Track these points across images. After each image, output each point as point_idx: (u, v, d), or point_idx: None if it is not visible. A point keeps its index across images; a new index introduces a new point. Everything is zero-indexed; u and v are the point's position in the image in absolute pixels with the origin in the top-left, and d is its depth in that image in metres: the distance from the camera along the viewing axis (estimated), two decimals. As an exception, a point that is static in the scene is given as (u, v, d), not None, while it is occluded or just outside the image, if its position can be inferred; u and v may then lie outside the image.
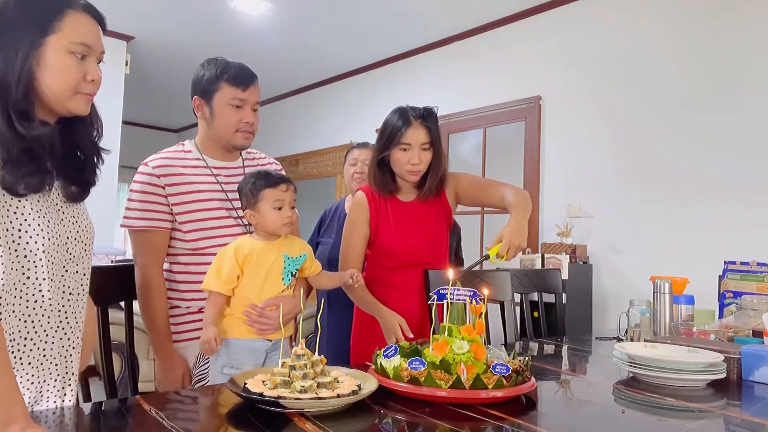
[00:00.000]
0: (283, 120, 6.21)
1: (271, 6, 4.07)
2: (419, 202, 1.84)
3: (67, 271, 1.07)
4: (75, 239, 1.10)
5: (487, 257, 1.57)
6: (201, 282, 1.45)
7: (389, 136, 1.77)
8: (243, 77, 1.60)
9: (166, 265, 1.63)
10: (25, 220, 0.99)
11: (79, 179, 1.10)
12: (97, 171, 1.15)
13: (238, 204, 1.63)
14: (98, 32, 1.05)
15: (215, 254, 1.46)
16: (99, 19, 1.06)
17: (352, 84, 5.44)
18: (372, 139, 2.24)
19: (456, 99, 4.39)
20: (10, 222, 0.97)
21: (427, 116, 1.77)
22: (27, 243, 0.98)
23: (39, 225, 1.00)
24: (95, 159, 1.14)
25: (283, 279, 1.46)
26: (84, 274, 1.14)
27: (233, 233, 1.59)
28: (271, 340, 1.45)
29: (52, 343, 1.05)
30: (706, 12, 3.11)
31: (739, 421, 1.12)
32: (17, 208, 0.98)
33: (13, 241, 0.97)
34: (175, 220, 1.57)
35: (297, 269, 1.50)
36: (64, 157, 1.07)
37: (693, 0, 3.17)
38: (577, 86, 3.67)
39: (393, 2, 3.93)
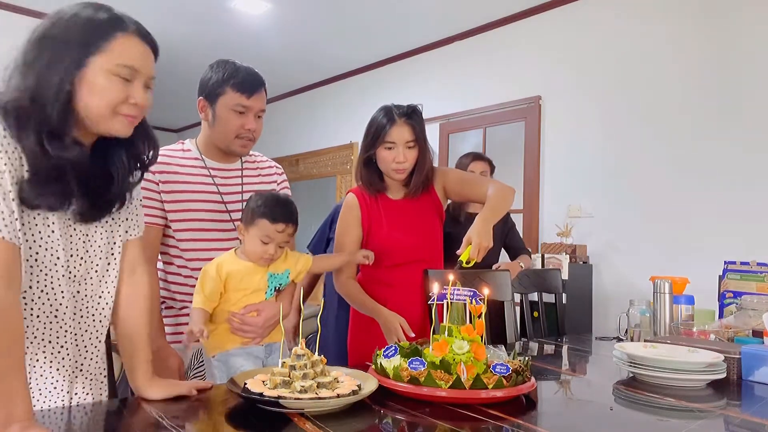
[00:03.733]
0: (283, 120, 6.20)
1: (271, 6, 4.07)
2: (409, 199, 1.84)
3: (63, 290, 1.04)
4: (82, 258, 1.06)
5: (461, 264, 1.55)
6: (191, 285, 1.46)
7: (374, 135, 1.77)
8: (249, 84, 1.56)
9: (160, 265, 1.63)
10: (29, 229, 0.98)
11: (99, 201, 1.05)
12: (127, 194, 1.11)
13: (233, 207, 1.62)
14: (148, 57, 1.03)
15: (204, 258, 1.46)
16: (151, 44, 1.04)
17: (352, 84, 5.44)
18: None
19: (456, 99, 4.39)
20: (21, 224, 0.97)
21: (411, 114, 1.76)
22: (30, 248, 0.99)
23: (42, 237, 1.00)
24: (127, 178, 1.09)
25: (266, 295, 1.47)
26: (92, 297, 1.09)
27: (226, 237, 1.59)
28: (262, 345, 1.46)
29: (67, 348, 1.06)
30: (707, 12, 3.11)
31: (739, 421, 1.12)
32: (28, 213, 0.98)
33: (29, 248, 0.98)
34: (167, 218, 1.57)
35: (281, 284, 1.50)
36: (90, 176, 1.02)
37: (693, 0, 3.17)
38: (577, 86, 3.67)
39: (393, 2, 3.92)
